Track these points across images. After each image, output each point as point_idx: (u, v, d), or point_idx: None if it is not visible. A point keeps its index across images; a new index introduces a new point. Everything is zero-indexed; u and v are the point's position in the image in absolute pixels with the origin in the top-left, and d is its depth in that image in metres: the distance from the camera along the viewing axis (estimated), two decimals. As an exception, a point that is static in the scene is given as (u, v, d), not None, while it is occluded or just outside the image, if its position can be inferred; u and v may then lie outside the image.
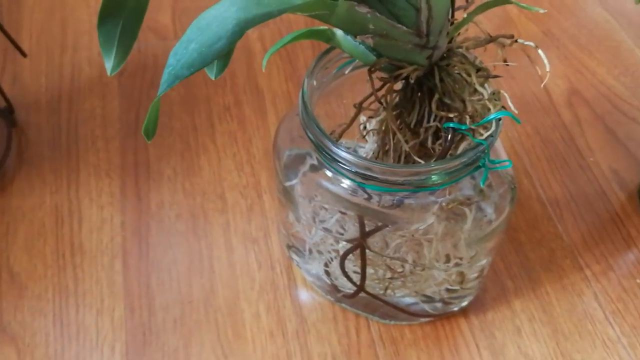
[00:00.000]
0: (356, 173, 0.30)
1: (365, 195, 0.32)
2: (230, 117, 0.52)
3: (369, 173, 0.29)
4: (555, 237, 0.45)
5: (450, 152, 0.30)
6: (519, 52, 0.56)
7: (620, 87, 0.55)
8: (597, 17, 0.60)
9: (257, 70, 0.56)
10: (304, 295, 0.42)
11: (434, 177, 0.30)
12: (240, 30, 0.24)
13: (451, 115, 0.29)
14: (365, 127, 0.34)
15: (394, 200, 0.31)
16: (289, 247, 0.42)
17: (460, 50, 0.30)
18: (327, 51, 0.33)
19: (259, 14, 0.25)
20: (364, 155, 0.35)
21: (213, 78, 0.32)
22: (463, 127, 0.29)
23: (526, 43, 0.29)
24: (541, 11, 0.26)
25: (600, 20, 0.60)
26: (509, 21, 0.60)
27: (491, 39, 0.30)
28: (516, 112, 0.29)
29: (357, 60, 0.34)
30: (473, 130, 0.29)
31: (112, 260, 0.44)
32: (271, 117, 0.52)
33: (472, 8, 0.31)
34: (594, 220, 0.46)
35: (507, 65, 0.31)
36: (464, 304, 0.41)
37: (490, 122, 0.29)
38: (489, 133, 0.29)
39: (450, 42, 0.30)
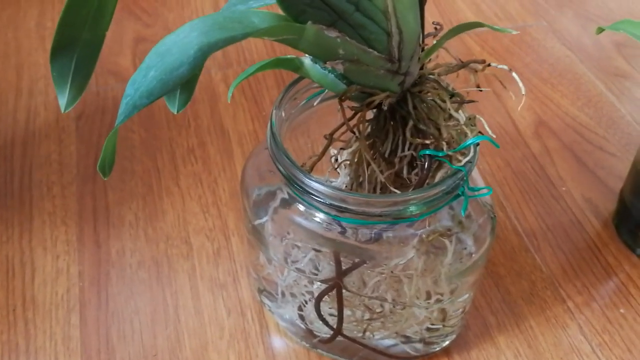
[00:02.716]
0: (330, 205, 0.28)
1: (341, 230, 0.30)
2: (195, 158, 0.51)
3: (344, 205, 0.28)
4: (535, 269, 0.44)
5: (427, 181, 0.29)
6: (485, 85, 0.56)
7: (584, 117, 0.55)
8: (557, 52, 0.61)
9: (222, 111, 0.54)
10: (278, 342, 0.40)
11: (412, 208, 0.28)
12: (202, 55, 0.23)
13: (427, 141, 0.28)
14: (336, 160, 0.33)
15: (371, 234, 0.30)
16: (260, 291, 0.40)
17: (432, 76, 0.29)
18: (296, 81, 0.31)
19: (222, 39, 0.23)
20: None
21: (175, 112, 0.30)
22: (440, 154, 0.28)
23: (499, 66, 0.28)
24: (513, 32, 0.25)
25: (560, 55, 0.61)
26: (471, 57, 0.60)
27: (463, 65, 0.29)
28: (494, 136, 0.28)
29: (326, 91, 0.33)
30: (450, 156, 0.28)
31: (68, 313, 0.41)
32: (238, 157, 0.51)
33: (441, 34, 0.30)
34: (572, 250, 0.45)
35: (480, 90, 0.30)
36: (446, 343, 0.39)
37: (467, 147, 0.28)
38: (467, 159, 0.28)
39: (421, 68, 0.30)
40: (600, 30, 0.37)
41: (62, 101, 0.28)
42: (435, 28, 0.31)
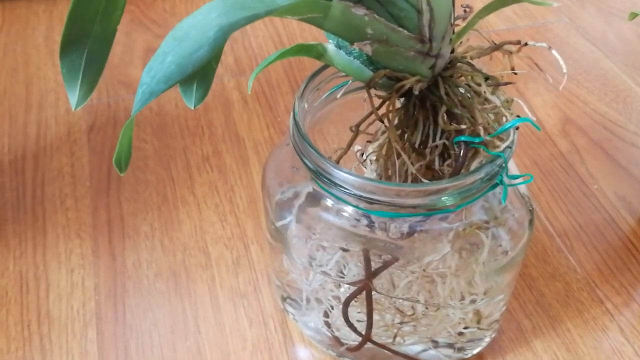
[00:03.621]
0: (360, 197, 0.26)
1: (371, 223, 0.28)
2: (210, 167, 0.49)
3: (374, 197, 0.26)
4: (569, 270, 0.42)
5: (462, 170, 0.27)
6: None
7: (613, 114, 0.53)
8: (581, 48, 0.59)
9: (236, 118, 0.53)
10: (302, 352, 0.38)
11: (445, 198, 0.26)
12: (223, 35, 0.21)
13: (462, 126, 0.26)
14: (362, 154, 0.31)
15: (403, 228, 0.28)
16: (284, 299, 0.38)
17: (464, 59, 0.28)
18: (319, 71, 0.30)
19: (244, 17, 0.22)
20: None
21: (192, 107, 0.28)
22: (476, 140, 0.26)
23: (538, 44, 0.26)
24: (555, 4, 0.23)
25: (585, 51, 0.59)
26: (493, 55, 0.59)
27: (496, 47, 0.28)
28: (534, 118, 0.26)
29: (350, 82, 0.31)
30: (487, 142, 0.26)
31: (84, 327, 0.39)
32: (254, 164, 0.49)
33: (471, 16, 0.28)
34: (607, 249, 0.43)
35: (515, 74, 0.28)
36: (479, 349, 0.37)
37: (506, 132, 0.26)
38: (506, 144, 0.26)
39: (452, 52, 0.28)
40: (634, 15, 0.36)
41: (73, 99, 0.27)
42: (465, 10, 0.29)
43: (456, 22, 0.29)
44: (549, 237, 0.44)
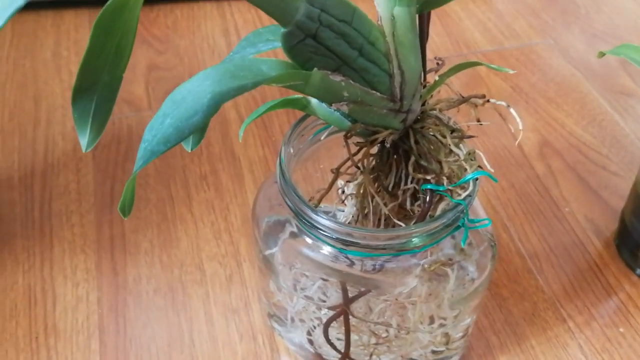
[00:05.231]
0: (337, 239, 0.29)
1: (347, 262, 0.31)
2: (207, 185, 0.52)
3: (349, 239, 0.29)
4: (537, 290, 0.45)
5: (429, 213, 0.30)
6: (491, 109, 0.58)
7: (589, 137, 0.56)
8: (563, 71, 0.62)
9: (233, 138, 0.56)
10: (289, 364, 0.41)
11: (415, 240, 0.30)
12: (215, 104, 0.24)
13: (428, 177, 0.29)
14: (343, 192, 0.34)
15: (375, 265, 0.31)
16: (271, 316, 0.41)
17: (434, 112, 0.31)
18: (303, 118, 0.33)
19: (234, 87, 0.25)
20: (344, 220, 0.34)
21: (189, 150, 0.32)
22: (441, 188, 0.29)
23: (498, 103, 0.29)
24: (510, 72, 0.26)
25: (566, 74, 0.62)
26: (477, 78, 0.62)
27: (463, 100, 0.31)
28: (492, 170, 0.29)
29: (332, 126, 0.34)
30: (451, 190, 0.29)
31: (88, 339, 0.42)
32: (249, 184, 0.52)
33: (443, 70, 0.31)
34: (574, 270, 0.46)
35: (481, 124, 0.31)
36: (451, 364, 0.40)
37: (467, 182, 0.29)
38: (466, 193, 0.29)
39: (423, 104, 0.31)
40: (602, 54, 0.39)
41: (83, 141, 0.30)
42: (437, 63, 0.32)
43: (429, 74, 0.32)
44: (520, 258, 0.47)
